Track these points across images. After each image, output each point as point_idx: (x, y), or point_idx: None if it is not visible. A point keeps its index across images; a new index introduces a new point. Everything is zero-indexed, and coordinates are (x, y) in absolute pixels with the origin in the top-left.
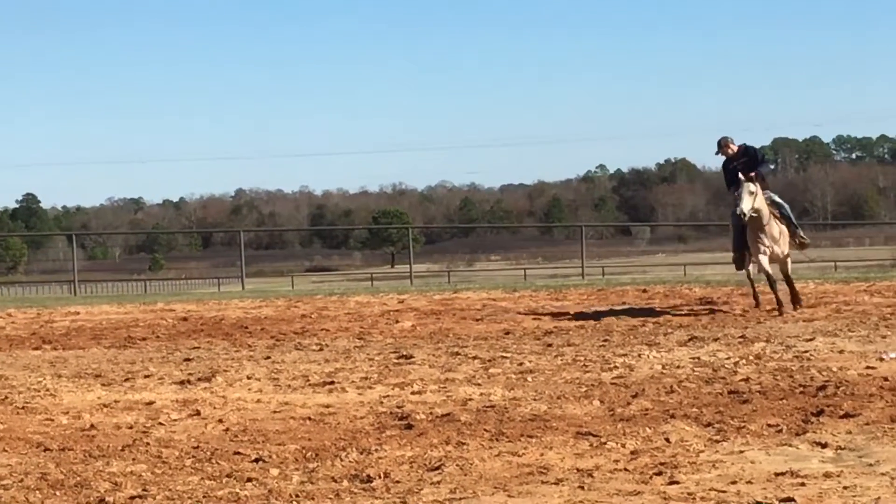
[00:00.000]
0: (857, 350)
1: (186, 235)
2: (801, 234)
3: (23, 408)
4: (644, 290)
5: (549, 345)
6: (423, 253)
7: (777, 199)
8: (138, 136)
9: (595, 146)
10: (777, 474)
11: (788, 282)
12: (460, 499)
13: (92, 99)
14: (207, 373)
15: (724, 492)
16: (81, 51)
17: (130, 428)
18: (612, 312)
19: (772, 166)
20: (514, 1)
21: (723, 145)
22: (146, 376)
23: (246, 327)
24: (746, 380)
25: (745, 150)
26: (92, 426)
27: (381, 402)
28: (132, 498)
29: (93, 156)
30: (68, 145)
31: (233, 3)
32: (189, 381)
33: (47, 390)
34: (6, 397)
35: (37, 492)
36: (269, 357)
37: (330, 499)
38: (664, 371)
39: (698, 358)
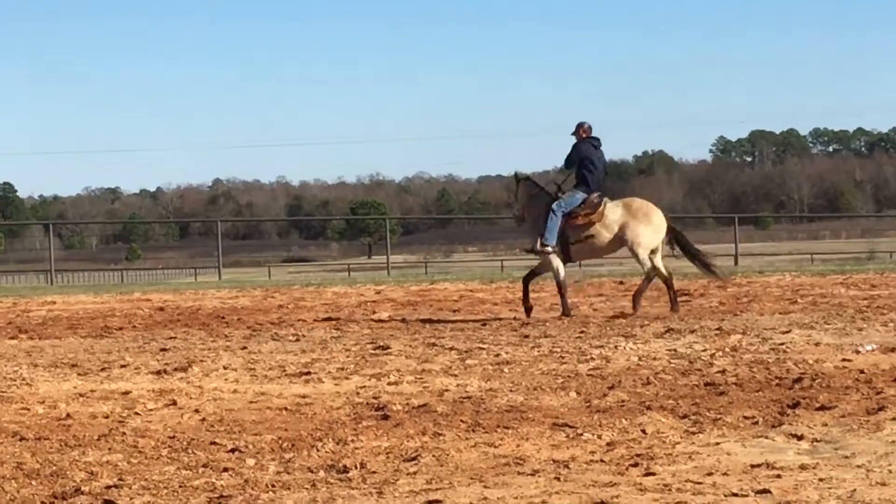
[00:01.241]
0: (834, 343)
1: (163, 225)
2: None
3: None
4: (621, 283)
5: (526, 336)
6: (401, 244)
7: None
8: (116, 126)
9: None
10: (753, 466)
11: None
12: (437, 489)
13: (69, 88)
14: (184, 363)
15: (700, 483)
16: (59, 40)
17: (106, 417)
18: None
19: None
20: None
21: (586, 128)
22: (122, 366)
23: (223, 317)
24: (723, 372)
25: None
26: (68, 416)
27: (358, 393)
28: (108, 487)
29: (70, 145)
30: (45, 134)
31: None
32: (165, 371)
33: (23, 380)
34: None
35: (12, 481)
36: (245, 347)
37: (306, 489)
38: (641, 363)
39: (675, 350)
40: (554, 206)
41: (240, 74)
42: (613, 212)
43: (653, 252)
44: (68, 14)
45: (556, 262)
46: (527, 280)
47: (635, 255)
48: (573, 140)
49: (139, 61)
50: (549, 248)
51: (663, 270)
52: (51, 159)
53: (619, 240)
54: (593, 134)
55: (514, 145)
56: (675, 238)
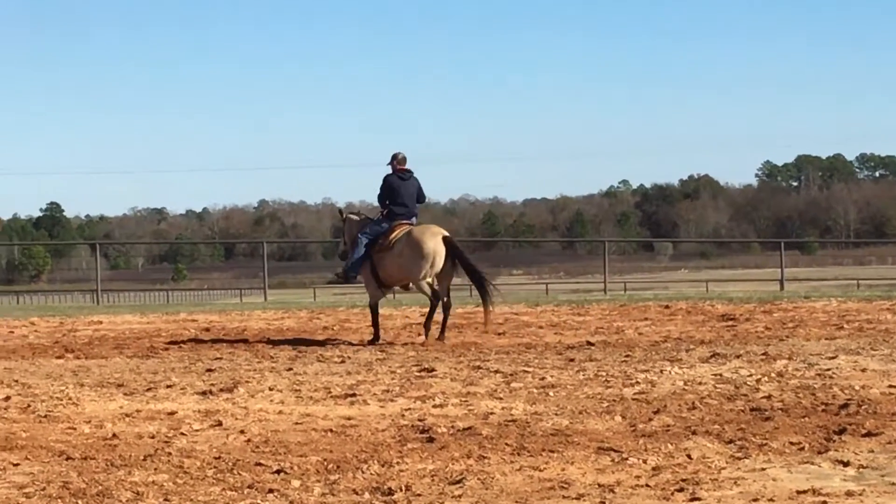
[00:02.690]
0: (880, 368)
1: (209, 246)
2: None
3: (45, 416)
4: (666, 307)
5: (571, 360)
6: None
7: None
8: (163, 146)
9: (618, 161)
10: (799, 492)
11: None
12: None
13: (117, 108)
14: (229, 384)
15: None
16: (107, 60)
17: (152, 438)
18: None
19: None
20: (539, 15)
21: (400, 159)
22: (168, 386)
23: (268, 339)
24: (769, 397)
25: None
26: (114, 435)
27: (403, 415)
28: None
29: (117, 165)
30: (92, 155)
31: (257, 14)
32: (211, 392)
33: (70, 399)
34: (29, 406)
35: (59, 500)
36: (291, 368)
37: None
38: (686, 387)
39: (720, 375)
40: (359, 235)
41: (286, 97)
42: (399, 241)
43: (439, 277)
44: (119, 33)
45: (371, 289)
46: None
47: (414, 284)
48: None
49: (188, 81)
50: (351, 277)
51: (444, 297)
52: (98, 179)
53: (405, 266)
54: (406, 166)
55: (559, 168)
56: (457, 259)
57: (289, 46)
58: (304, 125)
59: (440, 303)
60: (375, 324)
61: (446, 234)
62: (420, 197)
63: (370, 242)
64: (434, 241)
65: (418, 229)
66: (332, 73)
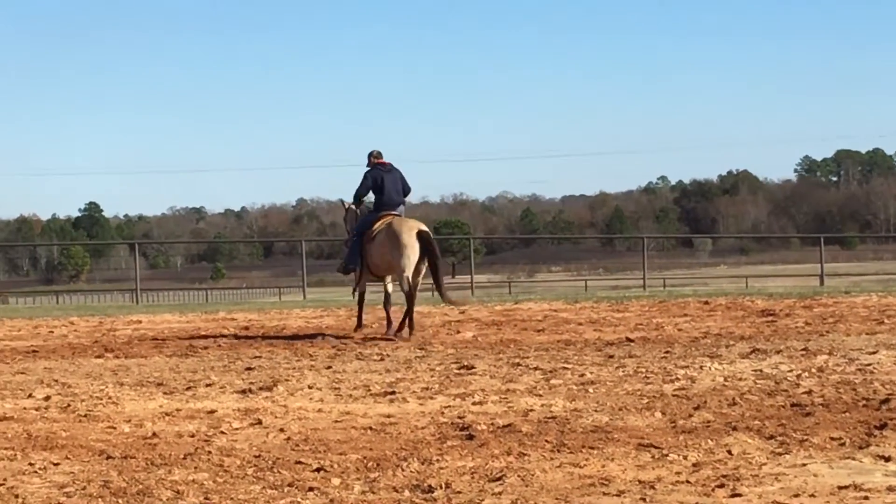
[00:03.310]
0: None
1: (248, 245)
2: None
3: (85, 416)
4: (706, 302)
5: (611, 356)
6: (484, 263)
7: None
8: (201, 146)
9: (657, 157)
10: (840, 488)
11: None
12: None
13: (155, 108)
14: (269, 382)
15: None
16: (144, 60)
17: (192, 436)
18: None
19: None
20: (577, 11)
21: (376, 154)
22: (208, 385)
23: (307, 337)
24: (809, 392)
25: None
26: (154, 434)
27: (443, 413)
28: None
29: (155, 165)
30: (131, 154)
31: (293, 14)
32: (251, 391)
33: (109, 398)
34: (69, 405)
35: (99, 499)
36: (330, 366)
37: None
38: (726, 383)
39: (760, 370)
40: (353, 228)
41: (323, 94)
42: (380, 232)
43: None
44: (157, 33)
45: (360, 280)
46: (360, 301)
47: (398, 276)
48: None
49: (225, 80)
50: (351, 269)
51: (410, 289)
52: (136, 179)
53: (386, 258)
54: (384, 160)
55: (598, 164)
56: (427, 255)
57: (326, 46)
58: (342, 123)
59: (404, 294)
60: (360, 311)
61: (423, 228)
62: (405, 189)
63: (360, 234)
64: (409, 235)
65: (396, 222)
66: (369, 71)
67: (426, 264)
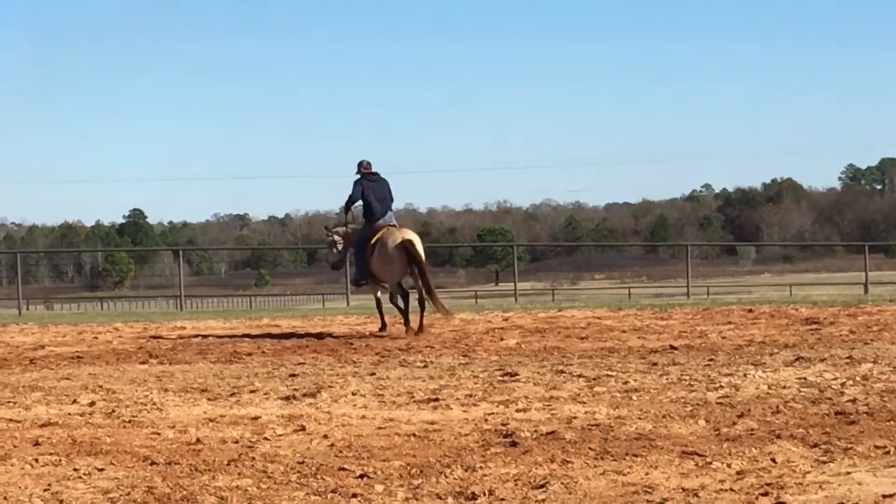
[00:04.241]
0: None
1: (291, 251)
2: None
3: (130, 421)
4: (750, 310)
5: (655, 364)
6: (528, 271)
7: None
8: (244, 153)
9: (700, 165)
10: (885, 496)
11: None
12: None
13: (198, 115)
14: (313, 388)
15: None
16: (188, 66)
17: (236, 443)
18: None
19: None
20: (619, 20)
21: (365, 165)
22: (252, 391)
23: (351, 343)
24: (853, 401)
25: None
26: (198, 440)
27: (486, 420)
28: None
29: (199, 172)
30: (175, 161)
31: (336, 22)
32: (294, 397)
33: (154, 404)
34: (113, 411)
35: None
36: (374, 373)
37: None
38: (770, 391)
39: (805, 378)
40: (353, 246)
41: (365, 102)
42: (377, 244)
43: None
44: (199, 40)
45: (372, 288)
46: (377, 304)
47: (389, 285)
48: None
49: (270, 88)
50: (363, 283)
51: (406, 294)
52: (180, 186)
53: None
54: (373, 169)
55: (641, 172)
56: (413, 263)
57: (370, 54)
58: (385, 131)
59: (418, 297)
60: (381, 313)
61: (408, 238)
62: (391, 198)
63: (361, 248)
64: (394, 248)
65: (386, 234)
66: (411, 79)
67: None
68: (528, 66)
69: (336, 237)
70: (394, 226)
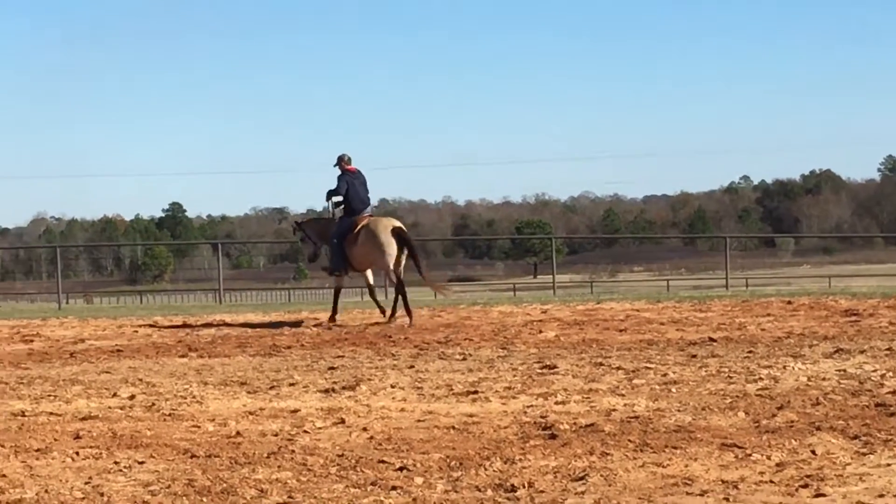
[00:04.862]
0: None
1: None
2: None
3: (170, 415)
4: (789, 302)
5: (694, 356)
6: (566, 263)
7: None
8: (283, 146)
9: (739, 157)
10: None
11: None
12: None
13: (237, 109)
14: (352, 381)
15: None
16: (226, 61)
17: (276, 435)
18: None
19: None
20: (656, 12)
21: (346, 160)
22: (291, 384)
23: (389, 336)
24: (893, 392)
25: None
26: (238, 433)
27: (525, 412)
28: None
29: (238, 165)
30: (213, 155)
31: (371, 17)
32: (333, 390)
33: (194, 397)
34: (153, 404)
35: (183, 498)
36: (412, 366)
37: None
38: (810, 383)
39: (844, 370)
40: (332, 238)
41: (403, 96)
42: (360, 234)
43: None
44: (237, 35)
45: (339, 280)
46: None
47: (384, 272)
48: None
49: (308, 82)
50: (339, 273)
51: (398, 280)
52: (219, 179)
53: (369, 256)
54: (352, 166)
55: (679, 164)
56: (405, 248)
57: (409, 47)
58: (422, 124)
59: (396, 287)
60: (336, 304)
61: (397, 225)
62: (368, 191)
63: (341, 239)
64: (386, 234)
65: (373, 223)
66: (450, 72)
67: (405, 256)
68: (566, 59)
69: (306, 230)
70: (372, 216)
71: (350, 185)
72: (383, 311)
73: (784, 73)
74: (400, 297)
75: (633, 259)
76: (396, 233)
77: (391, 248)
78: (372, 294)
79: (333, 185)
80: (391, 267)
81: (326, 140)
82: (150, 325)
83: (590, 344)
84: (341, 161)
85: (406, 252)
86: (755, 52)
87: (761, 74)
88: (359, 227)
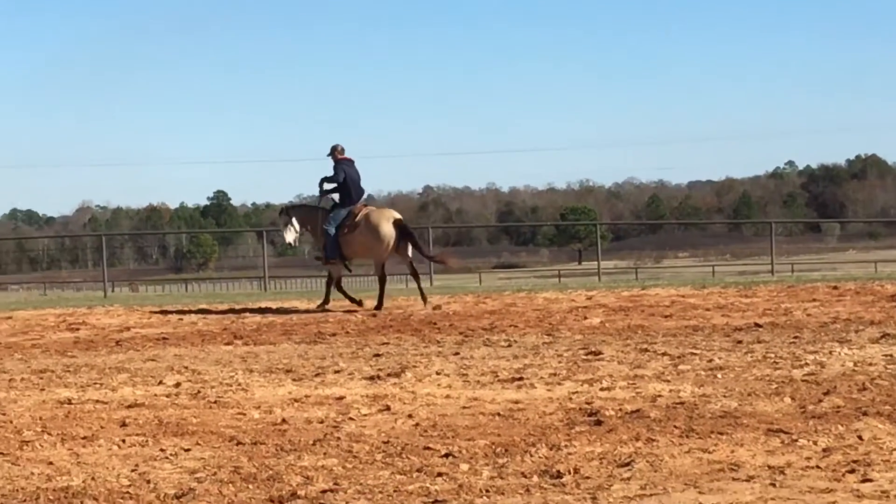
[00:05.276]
0: None
1: None
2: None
3: (215, 402)
4: (835, 287)
5: (739, 341)
6: (611, 250)
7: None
8: (326, 134)
9: (784, 142)
10: None
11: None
12: (650, 495)
13: (281, 97)
14: (397, 368)
15: None
16: (271, 50)
17: (321, 422)
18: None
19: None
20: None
21: (340, 150)
22: (336, 371)
23: (434, 323)
24: None
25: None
26: (283, 420)
27: (571, 398)
28: (324, 492)
29: (282, 153)
30: (258, 143)
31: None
32: (379, 377)
33: (239, 385)
34: (199, 392)
35: (230, 485)
36: (457, 353)
37: (520, 494)
38: (856, 368)
39: (891, 355)
40: (325, 225)
41: (449, 82)
42: (360, 223)
43: (400, 254)
44: (284, 25)
45: (336, 268)
46: (339, 288)
47: (376, 263)
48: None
49: (351, 71)
50: (334, 262)
51: (409, 270)
52: (264, 167)
53: (365, 246)
54: (347, 154)
55: (724, 150)
56: (406, 238)
57: (449, 35)
58: (467, 111)
59: (411, 272)
60: (328, 291)
61: (397, 216)
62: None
63: (338, 227)
64: (388, 226)
65: (375, 214)
66: (494, 60)
67: (409, 246)
68: (610, 44)
69: (293, 216)
70: (368, 206)
71: (347, 174)
72: (425, 299)
73: (830, 57)
74: (383, 285)
75: (678, 245)
76: (398, 225)
77: (392, 240)
78: (338, 285)
79: (330, 174)
80: (386, 258)
81: (369, 128)
82: (196, 313)
83: (635, 330)
84: (335, 151)
85: (408, 241)
86: (802, 35)
87: (807, 58)
88: (358, 216)
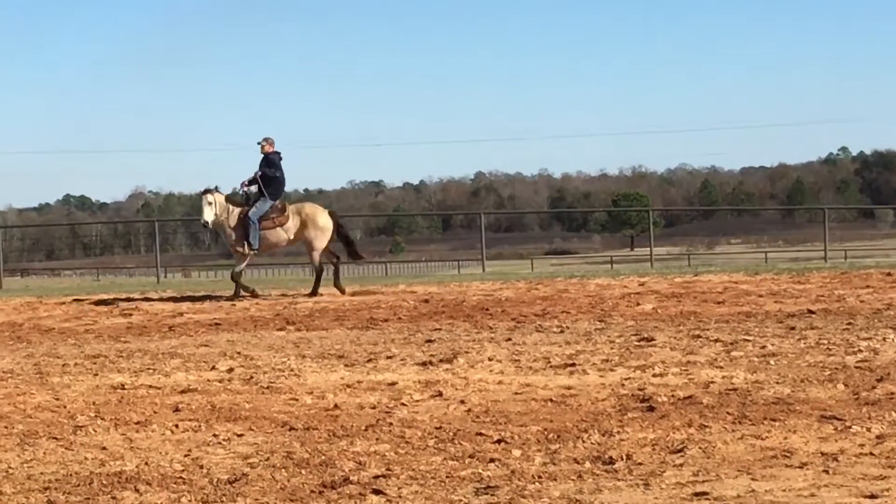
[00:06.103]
0: None
1: (426, 218)
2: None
3: (268, 388)
4: (888, 274)
5: (792, 328)
6: (663, 236)
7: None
8: (379, 120)
9: (837, 128)
10: None
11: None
12: (703, 481)
13: (333, 83)
14: (449, 354)
15: None
16: (321, 37)
17: (373, 408)
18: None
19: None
20: None
21: (271, 142)
22: (388, 357)
23: (487, 309)
24: None
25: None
26: (336, 406)
27: (623, 385)
28: (376, 477)
29: (334, 139)
30: (310, 129)
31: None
32: (431, 363)
33: (291, 370)
34: (252, 377)
35: (282, 470)
36: (510, 339)
37: (572, 480)
38: None
39: None
40: (250, 214)
41: (501, 68)
42: (293, 217)
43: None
44: (331, 12)
45: (242, 259)
46: (235, 277)
47: (309, 254)
48: (265, 152)
49: (403, 56)
50: (255, 251)
51: (320, 265)
52: (316, 153)
53: (299, 239)
54: (276, 148)
55: (777, 135)
56: (340, 230)
57: (500, 22)
58: (519, 97)
59: (332, 262)
60: (239, 284)
61: (332, 210)
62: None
63: (261, 220)
64: (325, 218)
65: (310, 207)
66: (545, 43)
67: (337, 239)
68: (663, 30)
69: (217, 203)
70: (283, 201)
71: (277, 166)
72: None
73: (882, 43)
74: (320, 275)
75: (731, 231)
76: (332, 217)
77: (329, 232)
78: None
79: (265, 167)
80: (322, 249)
81: (421, 114)
82: (248, 299)
83: (687, 316)
84: (266, 143)
85: (339, 235)
86: (855, 21)
87: (860, 44)
88: (286, 210)
